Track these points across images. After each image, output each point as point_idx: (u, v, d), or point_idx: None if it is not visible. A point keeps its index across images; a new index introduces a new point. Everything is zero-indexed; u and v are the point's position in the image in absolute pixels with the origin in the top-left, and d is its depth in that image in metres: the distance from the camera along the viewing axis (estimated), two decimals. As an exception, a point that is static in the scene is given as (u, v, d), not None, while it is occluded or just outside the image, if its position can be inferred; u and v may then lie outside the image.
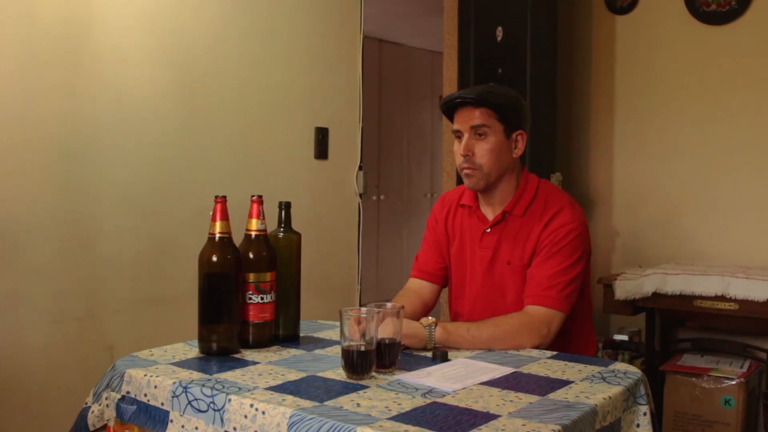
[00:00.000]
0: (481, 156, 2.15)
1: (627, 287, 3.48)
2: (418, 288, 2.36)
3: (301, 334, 2.06)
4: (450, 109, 2.22)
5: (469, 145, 2.16)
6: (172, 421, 1.62)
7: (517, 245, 2.18)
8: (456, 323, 2.06)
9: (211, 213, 1.85)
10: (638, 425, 1.71)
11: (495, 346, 1.98)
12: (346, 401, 1.50)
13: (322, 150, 3.38)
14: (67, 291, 2.54)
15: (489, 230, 2.23)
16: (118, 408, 1.73)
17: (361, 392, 1.57)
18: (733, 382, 3.32)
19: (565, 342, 2.14)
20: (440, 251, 2.35)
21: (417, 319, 2.14)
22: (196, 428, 1.57)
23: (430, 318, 1.99)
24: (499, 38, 3.88)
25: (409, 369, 1.75)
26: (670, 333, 3.84)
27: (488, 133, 2.15)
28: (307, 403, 1.48)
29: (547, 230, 2.14)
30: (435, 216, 2.40)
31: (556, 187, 2.30)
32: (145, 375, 1.69)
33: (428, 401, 1.52)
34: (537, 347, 2.01)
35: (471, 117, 2.16)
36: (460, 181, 3.58)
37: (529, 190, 2.21)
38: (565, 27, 4.18)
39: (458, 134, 2.19)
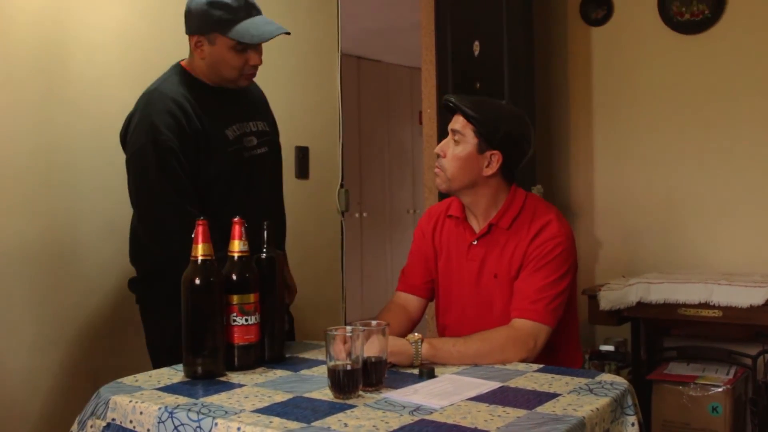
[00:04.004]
0: (448, 159, 2.20)
1: (611, 297, 3.49)
2: (403, 302, 2.36)
3: (287, 355, 2.05)
4: (450, 109, 2.27)
5: (444, 146, 2.22)
6: (158, 447, 1.60)
7: (503, 258, 2.19)
8: (442, 339, 2.06)
9: (192, 236, 1.84)
10: (627, 436, 1.71)
11: (482, 361, 1.98)
12: (333, 421, 1.49)
13: (303, 169, 3.37)
14: (49, 317, 2.51)
15: (476, 242, 2.24)
16: (103, 435, 1.71)
17: (348, 412, 1.56)
18: (720, 389, 3.33)
19: (552, 355, 2.14)
20: (427, 265, 2.36)
21: (402, 332, 2.14)
22: (183, 454, 1.56)
23: (416, 334, 1.98)
24: (476, 53, 3.91)
25: (396, 387, 1.74)
26: (656, 342, 3.85)
27: (461, 142, 2.18)
28: (294, 425, 1.47)
29: (534, 243, 2.15)
30: (422, 229, 2.40)
31: (543, 201, 2.32)
32: (131, 401, 1.67)
33: (416, 419, 1.51)
34: (524, 361, 2.01)
35: (456, 120, 2.20)
36: (441, 198, 3.58)
37: (515, 204, 2.22)
38: (541, 40, 4.20)
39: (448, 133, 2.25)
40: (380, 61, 7.09)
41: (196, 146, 2.20)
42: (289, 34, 2.26)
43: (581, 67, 4.23)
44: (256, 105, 2.43)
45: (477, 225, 2.26)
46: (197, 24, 2.21)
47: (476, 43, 3.91)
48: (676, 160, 3.95)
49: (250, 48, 2.21)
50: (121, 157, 2.73)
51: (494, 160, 2.18)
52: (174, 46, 2.90)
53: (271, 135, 2.43)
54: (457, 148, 2.18)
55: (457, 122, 2.19)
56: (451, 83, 3.95)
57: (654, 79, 4.01)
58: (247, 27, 2.18)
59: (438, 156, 2.22)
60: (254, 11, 2.22)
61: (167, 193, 2.15)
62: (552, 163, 4.28)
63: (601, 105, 4.19)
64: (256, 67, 2.27)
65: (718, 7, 3.81)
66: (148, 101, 2.22)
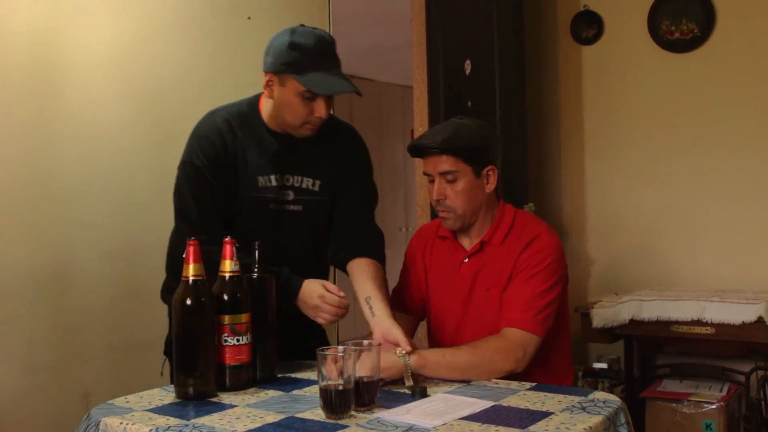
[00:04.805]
0: (453, 199, 2.18)
1: (604, 315, 3.49)
2: (395, 320, 2.35)
3: (279, 375, 2.04)
4: (419, 152, 2.24)
5: (441, 189, 2.19)
6: (149, 469, 1.59)
7: (494, 271, 2.20)
8: (432, 350, 2.07)
9: (183, 256, 1.84)
10: (620, 454, 1.71)
11: (471, 373, 1.99)
12: (325, 442, 1.49)
13: (295, 188, 3.36)
14: (39, 338, 2.50)
15: (467, 260, 2.25)
16: (94, 458, 1.70)
17: (340, 432, 1.56)
18: (714, 406, 3.33)
19: (544, 371, 2.15)
20: (418, 284, 2.36)
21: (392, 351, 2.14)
22: (174, 475, 1.55)
23: (401, 349, 1.97)
24: (467, 71, 3.92)
25: (389, 406, 1.74)
26: (649, 359, 3.85)
27: (458, 177, 2.17)
28: (286, 446, 1.46)
29: (524, 255, 2.16)
30: (413, 249, 2.41)
31: (532, 216, 2.34)
32: (121, 423, 1.66)
33: (408, 439, 1.51)
34: (512, 371, 2.02)
35: (438, 163, 2.17)
36: (434, 215, 3.56)
37: (506, 221, 2.24)
38: (532, 59, 4.22)
39: (429, 177, 2.22)
40: (372, 80, 7.12)
41: (227, 177, 2.17)
42: (360, 95, 2.14)
43: (572, 85, 4.25)
44: (314, 161, 2.28)
45: (468, 243, 2.27)
46: (272, 62, 2.13)
47: (467, 61, 3.92)
48: (667, 178, 3.97)
49: (319, 98, 2.11)
50: (114, 180, 2.74)
51: (491, 175, 2.21)
52: (166, 62, 2.91)
53: (317, 196, 2.29)
54: (457, 185, 2.17)
55: (441, 163, 2.16)
56: (442, 102, 3.96)
57: (644, 97, 4.03)
58: (320, 77, 2.09)
59: (438, 201, 2.20)
60: (332, 63, 2.14)
61: (191, 213, 2.16)
62: (543, 182, 4.29)
63: (592, 123, 4.20)
64: (320, 120, 2.15)
65: (707, 26, 3.84)
66: (202, 121, 2.25)
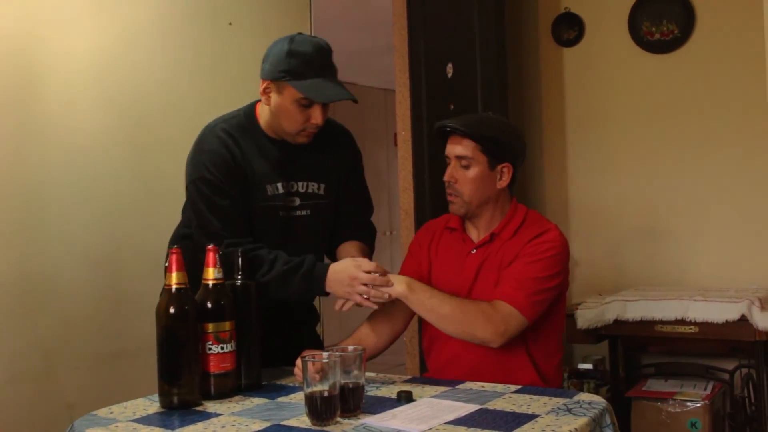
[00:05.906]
0: (462, 184, 2.22)
1: (588, 316, 3.50)
2: (388, 310, 2.33)
3: (264, 382, 2.04)
4: (443, 133, 2.28)
5: (453, 172, 2.24)
6: (134, 479, 1.58)
7: (498, 261, 2.22)
8: (423, 286, 2.13)
9: (166, 264, 1.83)
10: (606, 455, 1.71)
11: (448, 324, 2.08)
12: (311, 449, 1.48)
13: (278, 193, 3.35)
14: (22, 349, 2.48)
15: (474, 251, 2.26)
16: (78, 469, 1.69)
17: (326, 439, 1.55)
18: (698, 405, 3.34)
19: (535, 372, 2.17)
20: (419, 275, 2.35)
21: (381, 342, 2.26)
22: (159, 486, 1.54)
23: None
24: (449, 75, 3.93)
25: (374, 412, 1.73)
26: (634, 359, 3.86)
27: (471, 164, 2.21)
28: (271, 454, 1.46)
29: (530, 243, 2.20)
30: (418, 241, 2.44)
31: (543, 217, 2.37)
32: (105, 433, 1.65)
33: (394, 445, 1.50)
34: (488, 342, 2.06)
35: (457, 146, 2.22)
36: (418, 220, 3.56)
37: (517, 217, 2.28)
38: (513, 61, 4.23)
39: (447, 160, 2.27)
40: (354, 84, 7.10)
41: (240, 187, 2.18)
42: (356, 102, 2.17)
43: (554, 87, 4.26)
44: (317, 165, 2.32)
45: (476, 235, 2.30)
46: (270, 69, 2.15)
47: (449, 65, 3.93)
48: (649, 178, 3.98)
49: (316, 105, 2.14)
50: (95, 187, 2.72)
51: (506, 171, 2.24)
52: (147, 68, 2.90)
53: (323, 199, 2.33)
54: (469, 171, 2.21)
55: (460, 146, 2.21)
56: (425, 105, 3.97)
57: (625, 98, 4.05)
58: (317, 84, 2.12)
59: (449, 183, 2.24)
60: (329, 72, 2.16)
61: (211, 226, 2.14)
62: (526, 183, 4.30)
63: (573, 125, 4.22)
64: (317, 126, 2.18)
65: (687, 27, 3.87)
66: (203, 137, 2.24)
